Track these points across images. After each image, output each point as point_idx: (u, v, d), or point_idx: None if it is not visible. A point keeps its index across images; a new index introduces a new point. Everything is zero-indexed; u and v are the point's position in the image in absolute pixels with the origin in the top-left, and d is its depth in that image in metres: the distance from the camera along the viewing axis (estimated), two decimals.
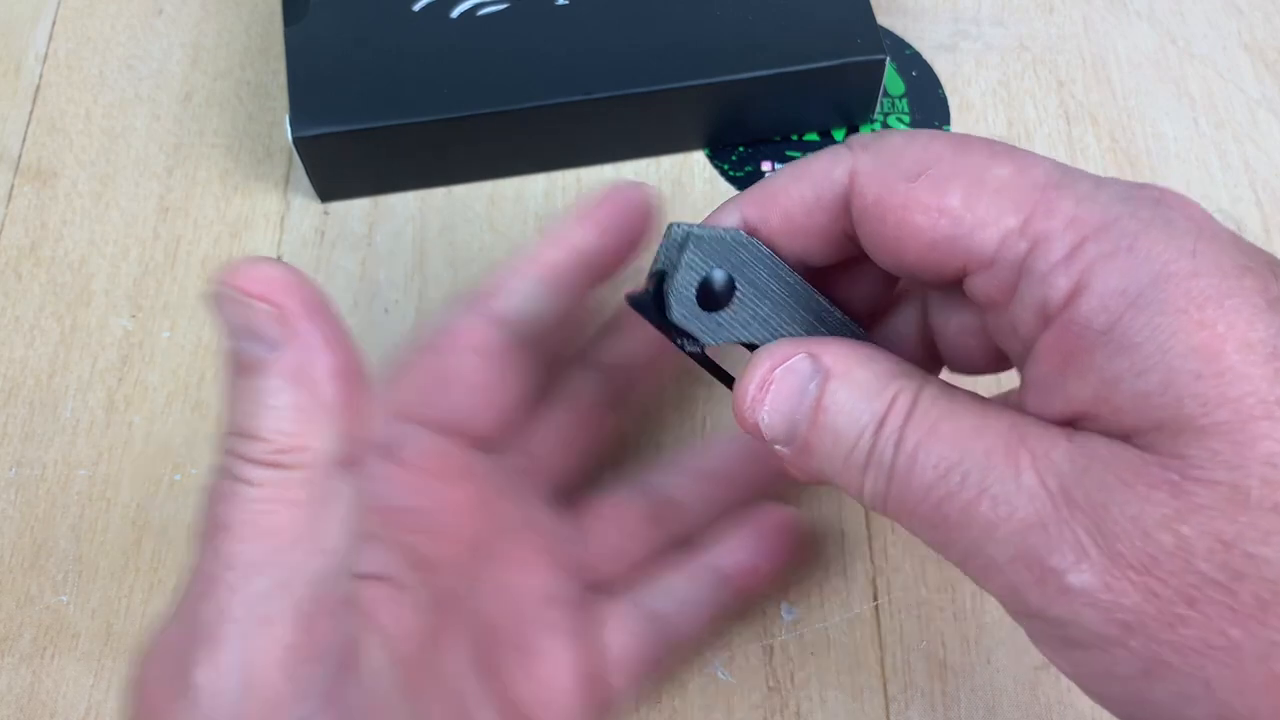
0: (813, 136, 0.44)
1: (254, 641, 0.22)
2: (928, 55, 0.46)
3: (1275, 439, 0.20)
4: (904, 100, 0.45)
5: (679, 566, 0.33)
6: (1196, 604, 0.20)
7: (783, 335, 0.27)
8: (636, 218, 0.33)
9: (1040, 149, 0.43)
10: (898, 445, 0.24)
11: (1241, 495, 0.20)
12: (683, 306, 0.26)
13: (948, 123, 0.44)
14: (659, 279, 0.27)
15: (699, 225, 0.27)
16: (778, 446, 0.26)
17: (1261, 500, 0.20)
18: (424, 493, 0.30)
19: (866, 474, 0.24)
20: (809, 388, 0.25)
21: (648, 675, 0.32)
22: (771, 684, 0.35)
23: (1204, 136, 0.44)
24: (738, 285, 0.27)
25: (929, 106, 0.45)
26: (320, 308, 0.24)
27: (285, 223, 0.42)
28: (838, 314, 0.28)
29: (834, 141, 0.44)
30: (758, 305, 0.27)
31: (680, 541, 0.33)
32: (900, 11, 0.47)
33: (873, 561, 0.36)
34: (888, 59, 0.41)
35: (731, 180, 0.43)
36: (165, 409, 0.39)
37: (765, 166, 0.43)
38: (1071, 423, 0.23)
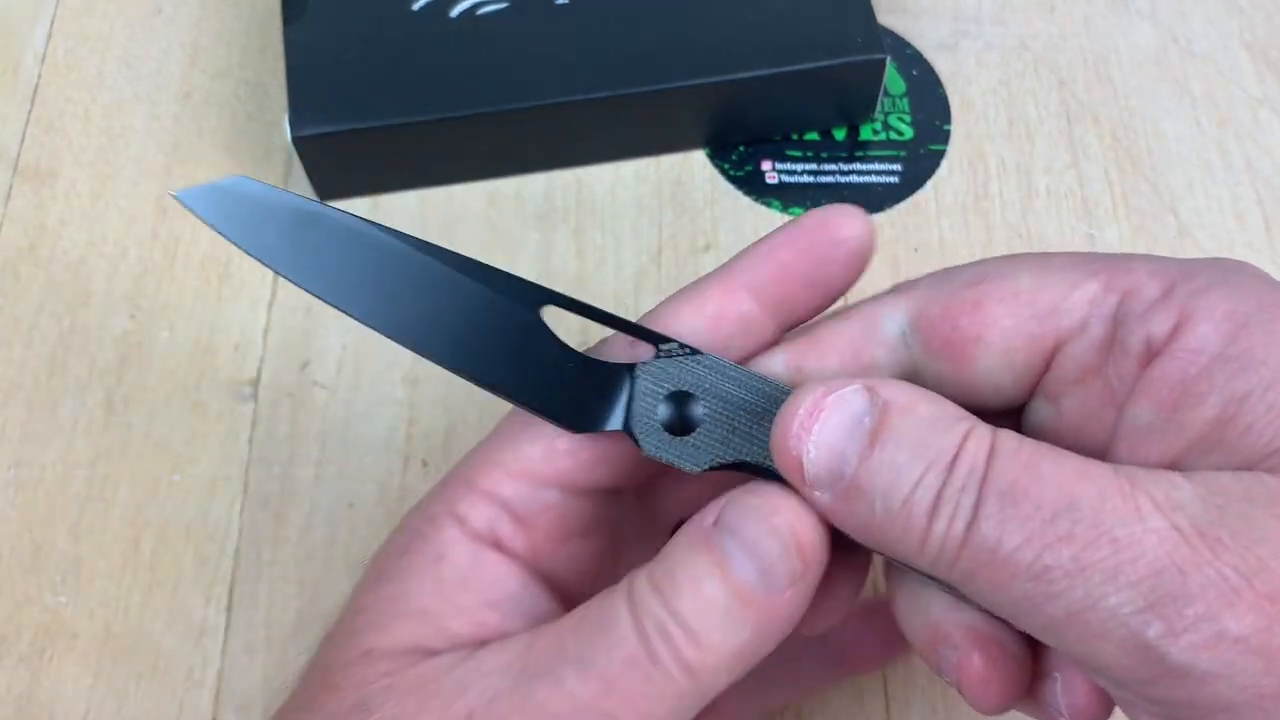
0: (813, 136, 0.44)
1: None
2: (928, 54, 0.46)
3: None
4: (905, 99, 0.45)
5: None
6: None
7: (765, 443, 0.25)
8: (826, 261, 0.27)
9: (1041, 148, 0.43)
10: (982, 486, 0.21)
11: None
12: (650, 438, 0.25)
13: (948, 122, 0.44)
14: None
15: (671, 349, 0.26)
16: (817, 493, 0.23)
17: None
18: None
19: (935, 519, 0.21)
20: (864, 421, 0.22)
21: None
22: None
23: (1205, 135, 0.44)
24: (702, 403, 0.25)
25: (930, 106, 0.45)
26: (815, 583, 0.23)
27: None
28: None
29: (835, 141, 0.44)
30: (733, 419, 0.25)
31: None
32: (901, 10, 0.47)
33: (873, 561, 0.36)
34: (888, 58, 0.41)
35: (732, 180, 0.43)
36: (164, 409, 0.39)
37: (765, 166, 0.43)
38: (1175, 466, 0.21)
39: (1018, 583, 0.20)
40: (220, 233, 0.26)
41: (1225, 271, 0.22)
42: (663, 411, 0.25)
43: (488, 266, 0.26)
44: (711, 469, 0.25)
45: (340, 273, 0.26)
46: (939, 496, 0.21)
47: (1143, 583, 0.19)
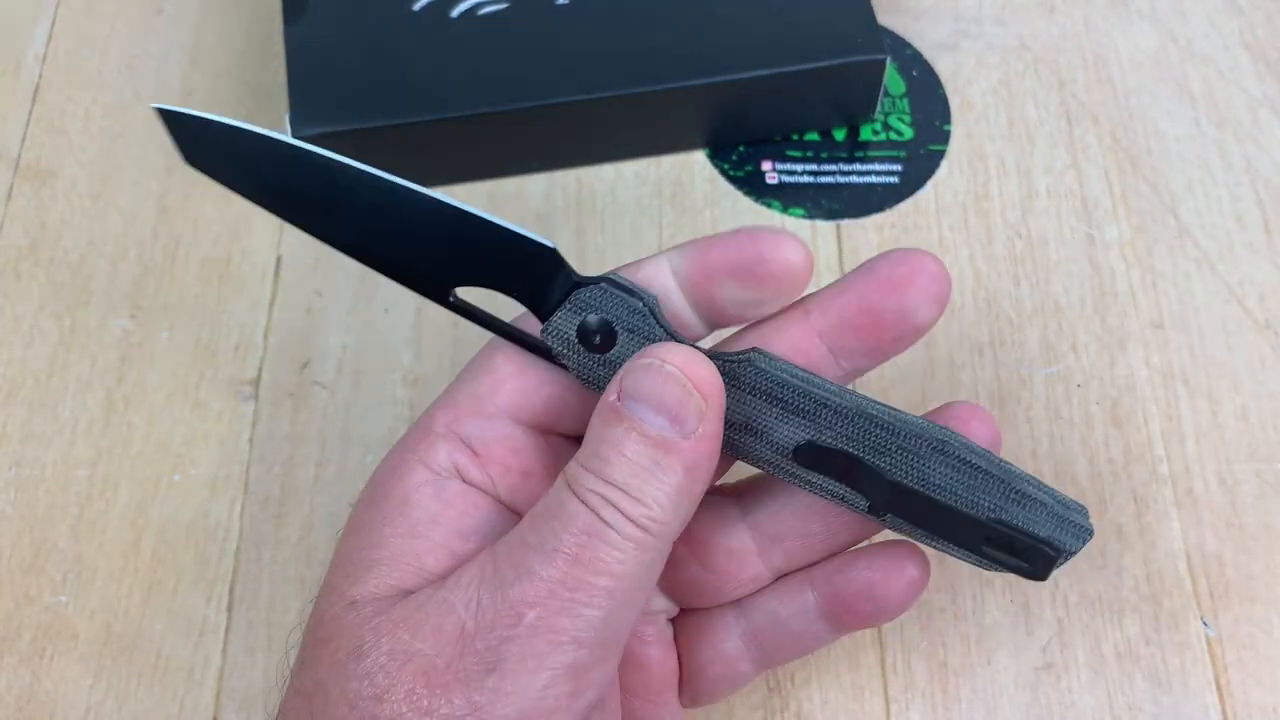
0: (813, 136, 0.44)
1: (560, 661, 0.25)
2: (928, 55, 0.46)
3: None
4: (905, 100, 0.45)
5: (787, 591, 0.31)
6: None
7: None
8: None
9: (1041, 148, 0.43)
10: None
11: None
12: (559, 342, 0.28)
13: (948, 122, 0.44)
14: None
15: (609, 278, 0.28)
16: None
17: None
18: None
19: None
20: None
21: (733, 690, 0.32)
22: (772, 684, 0.35)
23: (1205, 136, 0.44)
24: (618, 333, 0.28)
25: (930, 106, 0.45)
26: (722, 412, 0.26)
27: (285, 223, 0.42)
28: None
29: (835, 141, 0.44)
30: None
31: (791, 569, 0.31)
32: (901, 11, 0.47)
33: None
34: (888, 59, 0.41)
35: (732, 180, 0.43)
36: (164, 409, 0.39)
37: (765, 166, 0.43)
38: None
39: None
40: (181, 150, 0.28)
41: None
42: (580, 328, 0.28)
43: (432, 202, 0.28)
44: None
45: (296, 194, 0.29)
46: None
47: None
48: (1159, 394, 0.39)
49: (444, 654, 0.24)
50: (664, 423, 0.25)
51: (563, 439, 0.29)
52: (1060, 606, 0.36)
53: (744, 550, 0.30)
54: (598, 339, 0.28)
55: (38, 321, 0.40)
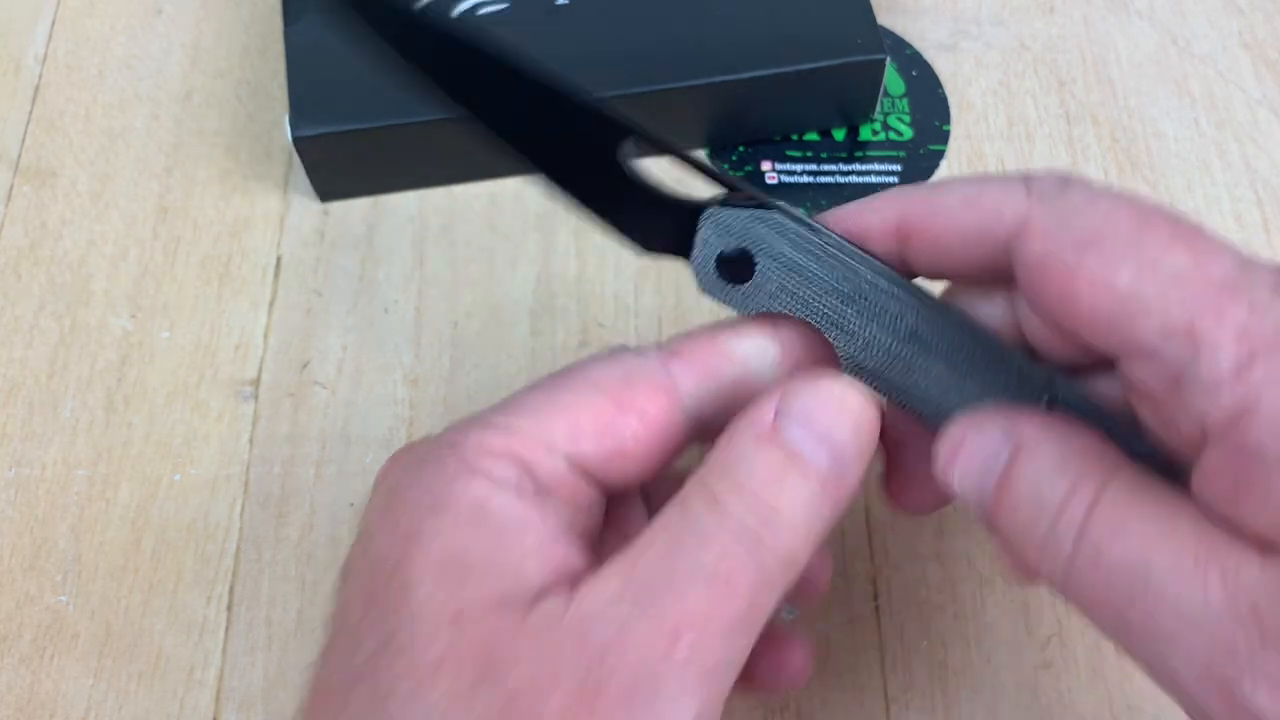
0: (813, 136, 0.44)
1: (711, 691, 0.23)
2: (928, 55, 0.46)
3: None
4: (904, 100, 0.45)
5: None
6: None
7: (814, 307, 0.27)
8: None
9: (1041, 149, 0.43)
10: (1079, 537, 0.23)
11: None
12: (704, 280, 0.28)
13: (948, 123, 0.44)
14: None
15: (744, 196, 0.27)
16: (974, 508, 0.25)
17: None
18: None
19: (1043, 555, 0.23)
20: (1000, 458, 0.25)
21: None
22: None
23: (1205, 136, 0.44)
24: (756, 260, 0.27)
25: (929, 106, 0.45)
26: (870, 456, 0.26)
27: (285, 223, 0.42)
28: (883, 283, 0.27)
29: (834, 141, 0.44)
30: (785, 279, 0.27)
31: None
32: (900, 11, 0.47)
33: (873, 561, 0.36)
34: (888, 59, 0.41)
35: None
36: (165, 409, 0.39)
37: (765, 166, 0.43)
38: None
39: (1107, 628, 0.23)
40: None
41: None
42: (721, 257, 0.27)
43: (577, 94, 0.27)
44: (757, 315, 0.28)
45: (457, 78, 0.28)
46: (1044, 539, 0.23)
47: (1200, 656, 0.20)
48: None
49: (590, 678, 0.22)
50: (828, 459, 0.24)
51: (598, 493, 0.27)
52: (1060, 606, 0.36)
53: None
54: (736, 266, 0.27)
55: (38, 321, 0.40)
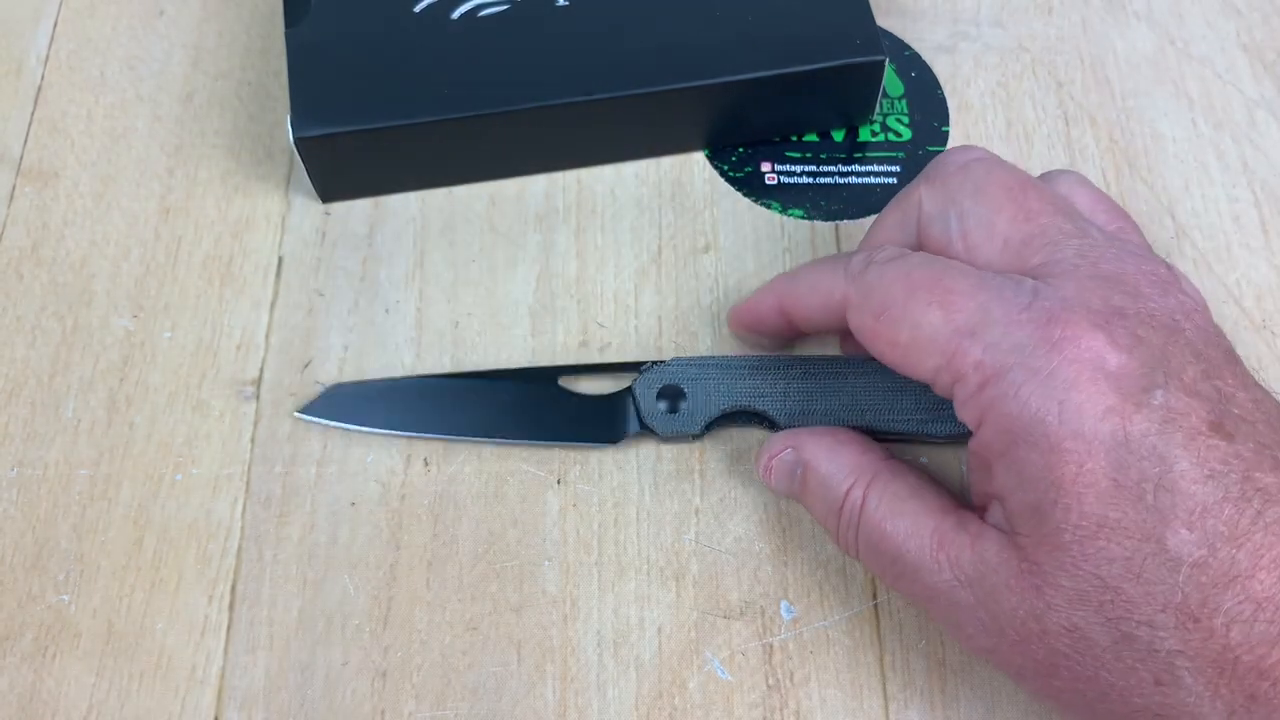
0: (813, 137, 0.44)
1: None
2: (927, 56, 0.46)
3: (1106, 557, 0.27)
4: (903, 101, 0.45)
5: None
6: (1058, 668, 0.29)
7: (735, 398, 0.37)
8: None
9: (1039, 150, 0.43)
10: (857, 531, 0.33)
11: (1080, 598, 0.28)
12: (659, 425, 0.37)
13: (947, 124, 0.44)
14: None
15: (648, 364, 0.38)
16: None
17: (1100, 606, 0.28)
18: None
19: (838, 538, 0.34)
20: (796, 473, 0.35)
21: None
22: (771, 682, 0.35)
23: (1202, 137, 0.44)
24: (683, 389, 0.37)
25: (928, 107, 0.45)
26: None
27: (286, 223, 0.42)
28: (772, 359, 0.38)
29: (834, 142, 0.44)
30: (706, 391, 0.37)
31: None
32: (899, 12, 0.47)
33: None
34: (887, 60, 0.42)
35: (731, 181, 0.43)
36: (166, 409, 0.39)
37: (765, 167, 0.44)
38: (995, 497, 0.30)
39: (890, 587, 0.33)
40: (340, 425, 0.38)
41: (1035, 371, 0.29)
42: (659, 405, 0.37)
43: (515, 370, 0.39)
44: (705, 427, 0.37)
45: (426, 414, 0.38)
46: (837, 528, 0.34)
47: (942, 613, 0.31)
48: None
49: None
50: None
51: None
52: None
53: None
54: (671, 403, 0.37)
55: (40, 321, 0.40)
